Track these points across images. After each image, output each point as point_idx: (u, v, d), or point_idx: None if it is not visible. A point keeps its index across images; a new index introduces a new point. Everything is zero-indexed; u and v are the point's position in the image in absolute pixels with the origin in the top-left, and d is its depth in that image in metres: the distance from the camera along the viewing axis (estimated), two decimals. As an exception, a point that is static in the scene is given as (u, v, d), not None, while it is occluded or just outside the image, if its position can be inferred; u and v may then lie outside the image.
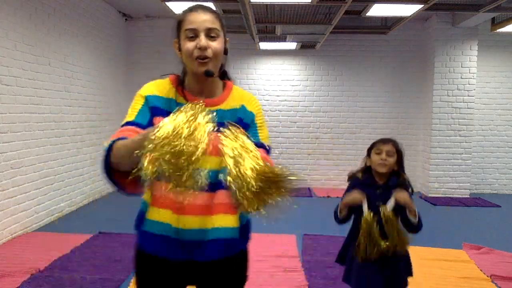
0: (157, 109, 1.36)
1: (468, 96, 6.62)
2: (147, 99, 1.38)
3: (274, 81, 7.20)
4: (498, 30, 6.01)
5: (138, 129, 1.31)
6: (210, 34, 1.32)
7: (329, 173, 7.15)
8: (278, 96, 7.21)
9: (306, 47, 6.92)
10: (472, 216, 5.51)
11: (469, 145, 6.67)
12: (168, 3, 4.51)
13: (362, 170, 2.25)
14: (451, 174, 6.68)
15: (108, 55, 6.39)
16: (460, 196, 6.66)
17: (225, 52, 1.40)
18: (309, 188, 7.12)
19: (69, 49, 5.18)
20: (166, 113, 1.24)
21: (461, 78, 6.60)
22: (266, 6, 4.64)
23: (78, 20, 5.40)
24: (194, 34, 1.32)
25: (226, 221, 1.35)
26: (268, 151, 1.41)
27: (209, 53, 1.31)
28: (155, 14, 6.88)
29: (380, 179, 2.17)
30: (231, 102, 1.42)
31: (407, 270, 2.22)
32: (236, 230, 1.38)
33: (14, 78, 4.12)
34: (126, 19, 7.04)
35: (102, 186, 6.21)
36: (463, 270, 3.49)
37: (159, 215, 1.34)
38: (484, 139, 7.08)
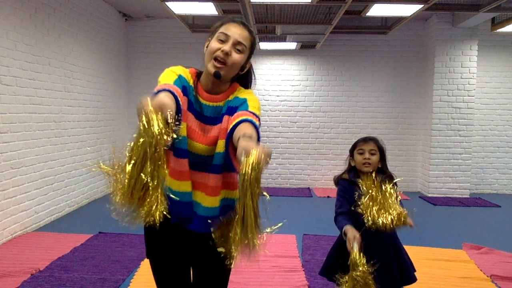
0: (184, 89, 1.45)
1: (468, 96, 6.62)
2: (180, 77, 1.46)
3: (274, 81, 7.20)
4: (498, 30, 6.01)
5: (178, 88, 1.37)
6: (237, 46, 1.46)
7: (329, 173, 7.15)
8: (278, 96, 7.21)
9: (306, 47, 6.92)
10: (472, 216, 5.51)
11: (469, 145, 6.67)
12: (168, 3, 4.51)
13: (347, 170, 2.28)
14: (451, 174, 6.68)
15: (108, 55, 6.39)
16: (460, 196, 6.66)
17: (242, 69, 1.53)
18: (309, 188, 7.13)
19: (69, 49, 5.18)
20: (187, 95, 1.45)
21: (461, 78, 6.60)
22: (266, 6, 4.64)
23: (78, 20, 5.40)
24: (224, 39, 1.45)
25: (205, 200, 1.49)
26: (256, 116, 1.40)
27: (228, 59, 1.44)
28: (155, 14, 6.88)
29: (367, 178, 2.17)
30: (228, 99, 1.52)
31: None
32: (212, 209, 1.49)
33: (14, 78, 4.12)
34: (126, 19, 7.04)
35: (102, 186, 6.21)
36: (463, 270, 3.49)
37: (184, 186, 1.48)
38: (484, 139, 7.08)
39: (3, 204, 3.99)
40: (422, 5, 4.33)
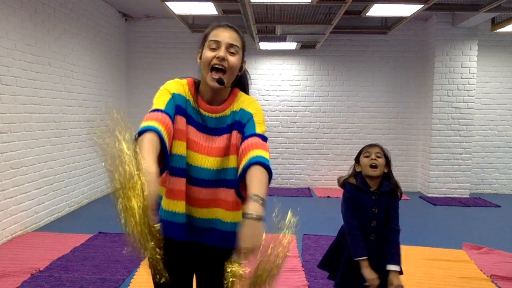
0: (179, 108, 1.46)
1: (468, 96, 6.62)
2: (174, 96, 1.46)
3: (274, 81, 7.20)
4: (498, 30, 6.01)
5: (167, 117, 1.37)
6: (230, 49, 1.45)
7: (329, 173, 7.15)
8: (278, 96, 7.21)
9: (306, 47, 6.92)
10: (472, 216, 5.51)
11: (469, 145, 6.67)
12: (168, 3, 4.51)
13: (353, 175, 2.25)
14: (451, 174, 6.68)
15: (108, 55, 6.39)
16: (460, 196, 6.66)
17: (240, 69, 1.53)
18: (309, 188, 7.12)
19: (69, 49, 5.18)
20: (183, 111, 1.47)
21: (461, 78, 6.60)
22: (266, 6, 4.64)
23: (78, 20, 5.40)
24: (216, 46, 1.45)
25: (226, 216, 1.51)
26: (263, 139, 1.46)
27: (225, 64, 1.44)
28: (155, 14, 6.88)
29: (373, 184, 2.17)
30: (232, 108, 1.52)
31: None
32: (235, 224, 1.49)
33: (14, 78, 4.12)
34: (126, 19, 7.04)
35: (102, 186, 6.21)
36: (463, 270, 3.49)
37: (175, 206, 1.48)
38: (484, 139, 7.08)
39: (3, 204, 3.99)
40: (422, 5, 4.33)
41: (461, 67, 6.59)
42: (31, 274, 3.18)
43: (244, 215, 1.22)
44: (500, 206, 6.08)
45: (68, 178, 5.23)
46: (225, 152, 1.48)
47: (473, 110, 6.66)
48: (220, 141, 1.48)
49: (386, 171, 2.20)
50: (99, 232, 4.32)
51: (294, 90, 7.20)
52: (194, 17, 6.16)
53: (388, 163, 2.21)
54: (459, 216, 5.47)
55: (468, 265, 3.60)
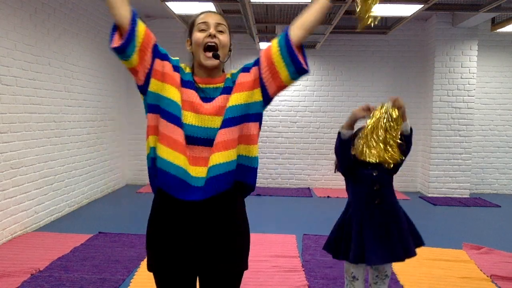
0: (173, 62, 1.53)
1: (468, 96, 6.62)
2: (167, 55, 1.55)
3: (274, 81, 7.19)
4: (498, 30, 6.01)
5: (152, 37, 1.52)
6: (218, 28, 1.53)
7: (329, 173, 7.15)
8: (278, 96, 7.19)
9: (306, 47, 6.91)
10: (472, 216, 5.51)
11: (469, 145, 6.67)
12: (168, 3, 4.51)
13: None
14: (451, 174, 6.68)
15: (108, 55, 6.39)
16: (460, 196, 6.66)
17: (229, 49, 1.58)
18: (309, 188, 7.13)
19: (69, 49, 5.18)
20: (177, 69, 1.51)
21: (461, 78, 6.60)
22: (266, 6, 4.65)
23: (78, 20, 5.40)
24: (205, 27, 1.52)
25: (219, 157, 1.45)
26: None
27: (217, 41, 1.50)
28: (155, 14, 6.89)
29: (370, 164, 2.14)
30: (225, 79, 1.58)
31: (414, 237, 2.20)
32: (233, 163, 1.47)
33: (14, 78, 4.12)
34: (126, 19, 7.03)
35: (102, 186, 6.21)
36: (463, 270, 3.49)
37: (174, 157, 1.43)
38: (484, 139, 7.08)
39: (3, 204, 3.99)
40: (422, 5, 4.33)
41: (461, 67, 6.59)
42: (31, 274, 3.18)
43: None
44: (500, 206, 6.08)
45: (68, 178, 5.23)
46: (221, 110, 1.49)
47: (473, 110, 6.66)
48: (218, 101, 1.50)
49: None
50: (99, 232, 4.32)
51: (294, 90, 7.20)
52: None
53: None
54: (459, 216, 5.47)
55: (468, 265, 3.60)
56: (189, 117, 1.45)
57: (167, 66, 1.50)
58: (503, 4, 4.77)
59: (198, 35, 1.51)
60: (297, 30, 1.49)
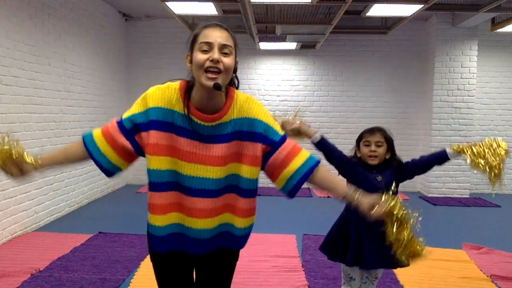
0: (155, 123, 1.41)
1: (468, 96, 6.62)
2: (149, 112, 1.43)
3: (274, 81, 7.20)
4: (498, 30, 6.01)
5: (119, 133, 1.48)
6: (223, 50, 1.37)
7: (329, 173, 7.14)
8: (278, 96, 7.21)
9: (306, 47, 6.92)
10: (472, 216, 5.51)
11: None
12: (168, 3, 4.51)
13: (354, 157, 2.24)
14: (451, 174, 6.68)
15: (108, 55, 6.39)
16: (460, 196, 6.66)
17: (234, 71, 1.46)
18: (309, 188, 7.12)
19: (69, 49, 5.18)
20: (165, 125, 1.39)
21: (461, 78, 6.60)
22: (266, 6, 4.65)
23: (78, 20, 5.40)
24: (208, 48, 1.36)
25: (240, 222, 1.53)
26: (286, 138, 1.55)
27: (221, 67, 1.35)
28: (155, 14, 6.89)
29: (375, 168, 2.15)
30: (233, 114, 1.45)
31: None
32: (246, 229, 1.56)
33: (14, 78, 4.12)
34: (126, 19, 7.04)
35: (102, 186, 6.21)
36: (463, 270, 3.49)
37: (158, 220, 1.48)
38: (484, 139, 7.06)
39: (3, 204, 3.99)
40: (422, 5, 4.33)
41: (461, 67, 6.59)
42: (31, 274, 3.18)
43: (353, 198, 1.48)
44: (500, 206, 6.08)
45: (68, 178, 5.23)
46: (225, 161, 1.43)
47: (473, 110, 6.66)
48: (217, 150, 1.42)
49: (387, 157, 2.15)
50: (99, 232, 4.32)
51: (294, 90, 7.20)
52: (194, 17, 6.16)
53: (390, 147, 2.16)
54: (459, 216, 5.47)
55: (468, 265, 3.60)
56: (192, 169, 1.46)
57: (155, 136, 1.41)
58: (503, 4, 4.77)
59: (199, 57, 1.35)
60: (310, 180, 1.55)
